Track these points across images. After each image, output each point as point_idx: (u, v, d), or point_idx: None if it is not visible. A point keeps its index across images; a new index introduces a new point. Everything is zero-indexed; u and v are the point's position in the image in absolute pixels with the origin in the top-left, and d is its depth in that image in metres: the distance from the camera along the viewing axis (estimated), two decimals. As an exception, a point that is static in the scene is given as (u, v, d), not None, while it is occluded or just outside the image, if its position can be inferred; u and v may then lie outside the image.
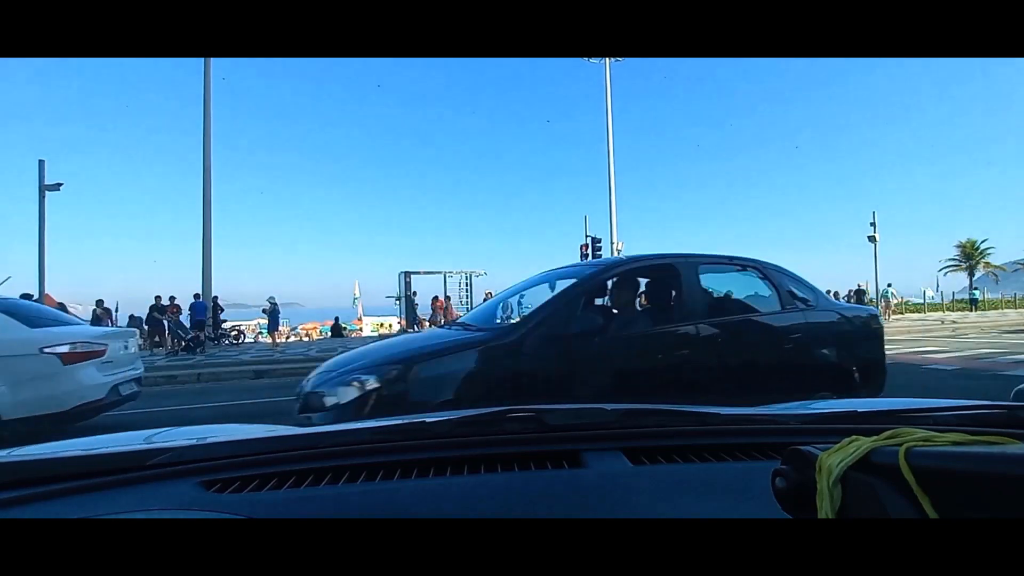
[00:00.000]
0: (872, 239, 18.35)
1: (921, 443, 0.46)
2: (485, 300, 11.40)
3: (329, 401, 2.70)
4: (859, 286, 17.05)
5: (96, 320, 13.48)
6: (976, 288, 26.23)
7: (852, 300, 16.48)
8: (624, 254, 16.53)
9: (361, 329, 25.40)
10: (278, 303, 14.28)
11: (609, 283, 3.39)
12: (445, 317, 17.60)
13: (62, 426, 4.14)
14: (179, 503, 0.69)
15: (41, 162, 10.54)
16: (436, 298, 19.39)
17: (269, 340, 14.50)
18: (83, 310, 14.37)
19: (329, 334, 21.94)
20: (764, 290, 3.53)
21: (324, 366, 3.01)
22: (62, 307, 12.41)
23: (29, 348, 4.12)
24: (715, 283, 3.66)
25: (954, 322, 17.33)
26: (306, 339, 22.35)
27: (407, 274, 18.40)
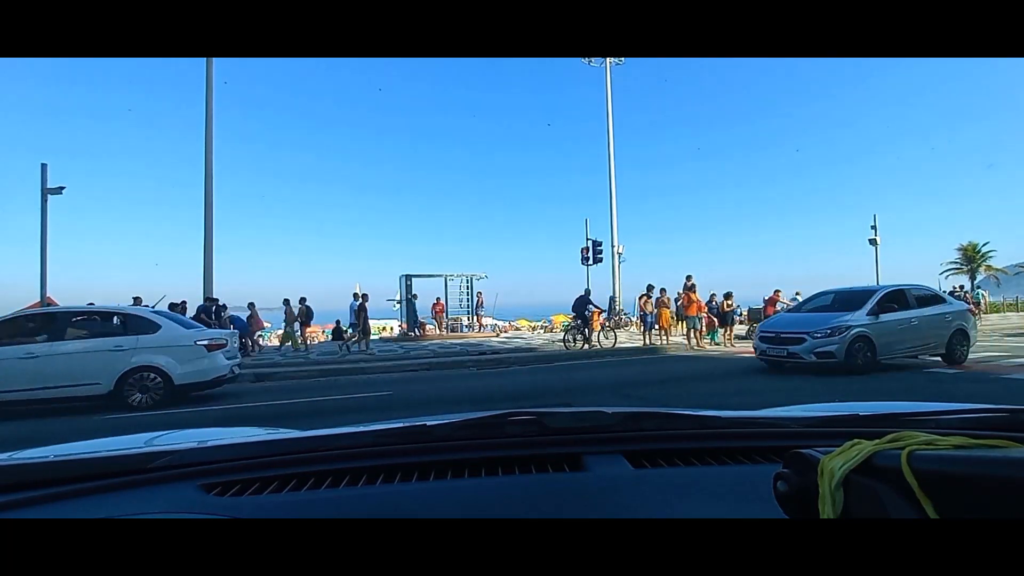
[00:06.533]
0: (873, 242, 18.35)
1: (923, 447, 0.45)
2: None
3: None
4: (954, 288, 21.51)
5: None
6: (977, 290, 26.15)
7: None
8: (624, 257, 16.68)
9: (362, 332, 25.17)
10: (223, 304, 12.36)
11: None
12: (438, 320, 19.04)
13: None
14: (180, 506, 0.69)
15: (43, 165, 10.58)
16: (438, 300, 19.41)
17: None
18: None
19: (331, 337, 21.89)
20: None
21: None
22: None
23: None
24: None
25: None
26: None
27: (408, 277, 18.40)
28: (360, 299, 12.85)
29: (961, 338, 8.32)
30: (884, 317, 7.81)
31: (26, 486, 0.73)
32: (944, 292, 8.70)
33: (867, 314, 7.78)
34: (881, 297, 8.06)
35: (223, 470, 0.79)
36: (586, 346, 12.06)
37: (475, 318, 19.81)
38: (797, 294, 13.94)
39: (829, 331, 7.65)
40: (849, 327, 7.58)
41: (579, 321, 12.35)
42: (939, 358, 8.30)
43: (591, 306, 12.48)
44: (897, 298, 8.19)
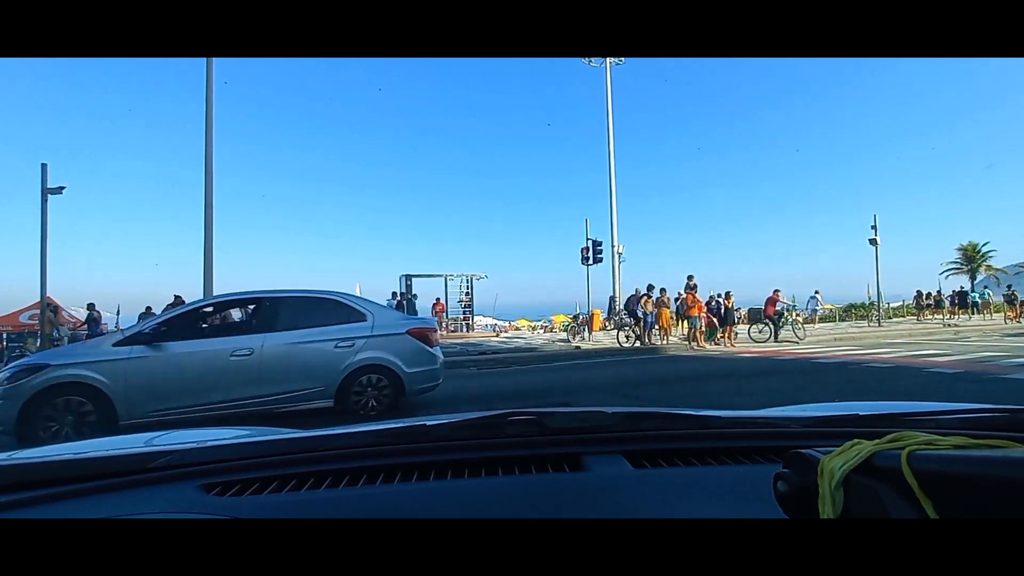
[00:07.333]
0: (873, 242, 18.35)
1: (923, 446, 0.45)
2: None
3: None
4: (961, 288, 21.47)
5: (91, 321, 13.51)
6: (984, 289, 26.12)
7: (957, 300, 21.38)
8: (624, 257, 16.68)
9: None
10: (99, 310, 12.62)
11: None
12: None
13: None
14: (180, 506, 0.69)
15: (44, 165, 10.60)
16: (438, 300, 19.46)
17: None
18: (81, 312, 14.40)
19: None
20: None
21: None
22: (57, 309, 12.44)
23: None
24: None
25: (956, 325, 17.32)
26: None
27: (408, 277, 18.42)
28: (398, 297, 13.43)
29: (378, 380, 4.92)
30: (178, 347, 4.49)
31: (26, 486, 0.73)
32: (371, 302, 5.55)
33: (117, 343, 4.41)
34: (181, 312, 4.86)
35: (223, 470, 0.79)
36: (637, 343, 12.39)
37: (462, 318, 19.99)
38: (816, 293, 13.40)
39: (7, 377, 4.20)
40: (40, 369, 4.13)
41: (631, 319, 12.69)
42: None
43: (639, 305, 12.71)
44: (255, 311, 5.06)
